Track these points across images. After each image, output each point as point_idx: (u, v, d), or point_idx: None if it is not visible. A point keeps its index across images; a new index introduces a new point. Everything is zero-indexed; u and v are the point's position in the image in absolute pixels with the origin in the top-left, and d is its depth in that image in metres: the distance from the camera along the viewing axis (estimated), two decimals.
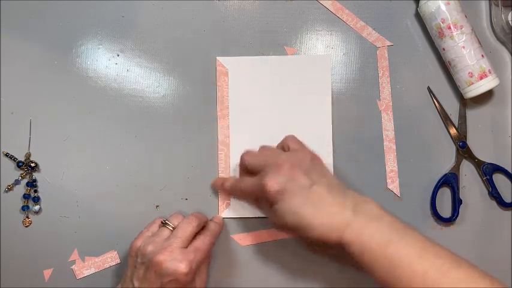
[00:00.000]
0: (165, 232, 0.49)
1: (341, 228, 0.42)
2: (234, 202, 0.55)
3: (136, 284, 0.47)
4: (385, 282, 0.42)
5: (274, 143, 0.53)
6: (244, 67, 0.56)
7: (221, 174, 0.55)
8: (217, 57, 0.56)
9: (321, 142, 0.55)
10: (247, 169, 0.50)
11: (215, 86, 0.56)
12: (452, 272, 0.40)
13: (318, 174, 0.46)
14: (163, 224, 0.50)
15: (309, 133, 0.54)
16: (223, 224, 0.55)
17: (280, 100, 0.56)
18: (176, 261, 0.45)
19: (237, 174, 0.54)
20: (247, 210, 0.55)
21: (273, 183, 0.44)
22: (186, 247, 0.47)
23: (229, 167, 0.55)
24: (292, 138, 0.51)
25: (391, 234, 0.42)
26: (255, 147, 0.52)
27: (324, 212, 0.43)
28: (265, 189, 0.44)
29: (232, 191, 0.52)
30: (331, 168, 0.55)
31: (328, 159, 0.55)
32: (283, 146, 0.50)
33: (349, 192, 0.46)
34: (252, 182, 0.48)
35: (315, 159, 0.48)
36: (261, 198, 0.47)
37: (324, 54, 0.57)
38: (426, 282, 0.39)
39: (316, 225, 0.43)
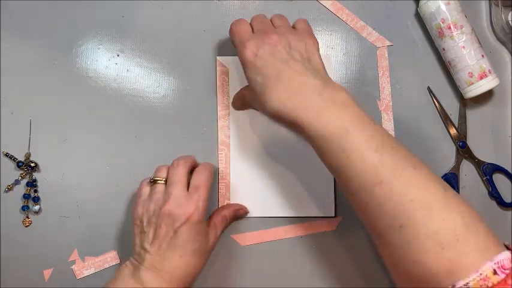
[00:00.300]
0: (159, 187, 0.48)
1: (300, 108, 0.41)
2: (233, 200, 0.55)
3: (148, 247, 0.46)
4: (336, 171, 0.41)
5: (276, 142, 0.53)
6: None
7: (221, 175, 0.55)
8: (217, 57, 0.56)
9: None
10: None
11: (215, 85, 0.56)
12: (407, 171, 0.39)
13: (302, 54, 0.44)
14: (153, 182, 0.49)
15: None
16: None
17: None
18: (181, 205, 0.45)
19: (238, 175, 0.54)
20: (247, 208, 0.55)
21: (252, 45, 0.44)
22: (187, 190, 0.47)
23: (229, 167, 0.55)
24: (303, 20, 0.49)
25: (351, 123, 0.40)
26: (256, 147, 0.52)
27: (286, 88, 0.42)
28: (243, 48, 0.44)
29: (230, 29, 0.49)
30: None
31: None
32: (295, 24, 0.49)
33: (324, 76, 0.44)
34: (243, 32, 0.46)
35: (310, 42, 0.46)
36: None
37: (324, 54, 0.57)
38: (377, 177, 0.39)
39: (276, 99, 0.42)
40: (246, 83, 0.53)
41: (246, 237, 0.55)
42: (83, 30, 0.56)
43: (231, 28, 0.48)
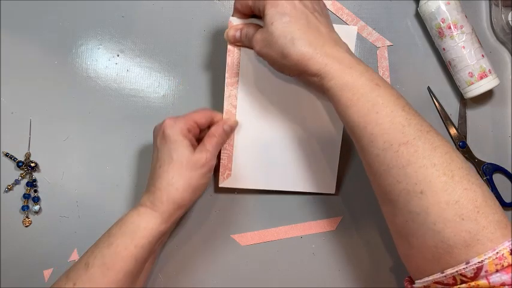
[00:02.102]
0: None
1: (332, 56, 0.41)
2: (234, 172, 0.54)
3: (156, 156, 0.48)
4: (361, 128, 0.40)
5: (281, 116, 0.52)
6: None
7: (224, 145, 0.53)
8: (230, 18, 0.50)
9: (330, 120, 0.53)
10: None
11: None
12: (432, 135, 0.39)
13: (323, 14, 0.45)
14: None
15: (319, 109, 0.53)
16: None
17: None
18: (160, 124, 0.48)
19: (241, 147, 0.53)
20: (247, 181, 0.54)
21: None
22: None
23: (233, 138, 0.53)
24: None
25: (381, 80, 0.41)
26: (261, 119, 0.52)
27: (319, 36, 0.42)
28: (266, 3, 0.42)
29: (237, 1, 0.48)
30: (337, 148, 0.54)
31: (337, 136, 0.53)
32: None
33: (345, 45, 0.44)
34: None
35: (322, 5, 0.46)
36: (260, 12, 0.45)
37: (351, 26, 0.56)
38: (403, 136, 0.38)
39: (307, 43, 0.41)
40: (259, 57, 0.49)
41: (246, 237, 0.55)
42: (83, 30, 0.56)
43: None
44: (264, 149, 0.53)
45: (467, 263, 0.35)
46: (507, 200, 0.57)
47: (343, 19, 0.58)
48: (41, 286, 0.54)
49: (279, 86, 0.52)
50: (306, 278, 0.55)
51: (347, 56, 0.41)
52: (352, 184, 0.56)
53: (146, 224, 0.45)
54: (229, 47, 0.51)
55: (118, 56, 0.56)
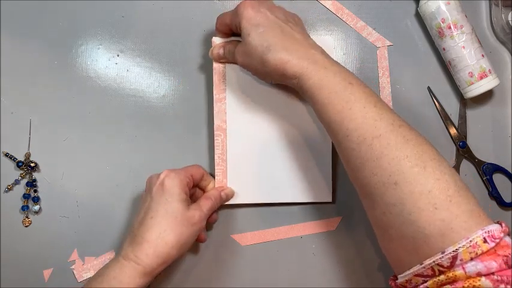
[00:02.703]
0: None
1: (307, 60, 0.44)
2: (231, 186, 0.54)
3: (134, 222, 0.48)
4: (337, 123, 0.42)
5: (273, 128, 0.53)
6: None
7: (218, 161, 0.54)
8: (213, 38, 0.53)
9: (318, 126, 0.54)
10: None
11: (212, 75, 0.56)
12: (404, 128, 0.41)
13: (294, 23, 0.48)
14: None
15: (308, 117, 0.54)
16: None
17: (278, 84, 0.53)
18: (157, 175, 0.48)
19: (235, 161, 0.54)
20: (243, 196, 0.54)
21: (252, 5, 0.46)
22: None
23: (226, 153, 0.54)
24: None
25: (353, 79, 0.43)
26: (253, 132, 0.53)
27: (294, 42, 0.45)
28: (244, 9, 0.46)
29: (217, 23, 0.51)
30: (329, 155, 0.55)
31: (327, 143, 0.54)
32: None
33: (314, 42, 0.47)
34: (231, 12, 0.48)
35: (296, 17, 0.49)
36: (237, 29, 0.48)
37: (327, 36, 0.57)
38: (375, 130, 0.40)
39: (282, 49, 0.44)
40: (244, 70, 0.52)
41: (246, 237, 0.55)
42: (83, 30, 0.56)
43: (217, 20, 0.51)
44: (258, 162, 0.54)
45: (443, 252, 0.36)
46: (507, 200, 0.57)
47: (343, 19, 0.58)
48: (41, 286, 0.54)
49: (266, 98, 0.54)
50: (306, 278, 0.55)
51: (322, 58, 0.44)
52: (352, 184, 0.56)
53: (128, 280, 0.44)
54: (214, 65, 0.54)
55: (118, 56, 0.56)
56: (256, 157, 0.54)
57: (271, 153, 0.54)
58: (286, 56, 0.44)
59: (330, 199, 0.55)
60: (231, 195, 0.53)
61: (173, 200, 0.46)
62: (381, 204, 0.40)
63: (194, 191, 0.53)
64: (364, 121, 0.41)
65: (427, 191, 0.38)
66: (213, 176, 0.54)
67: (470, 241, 0.35)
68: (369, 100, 0.42)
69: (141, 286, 0.45)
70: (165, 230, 0.45)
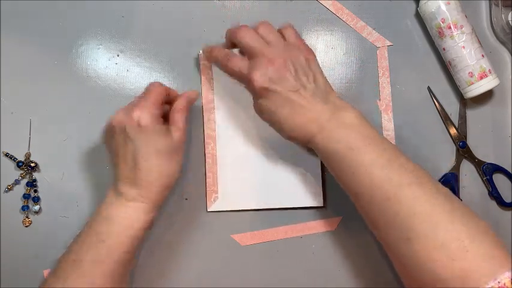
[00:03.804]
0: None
1: (312, 133, 0.45)
2: (221, 194, 0.55)
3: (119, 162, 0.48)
4: (347, 187, 0.45)
5: (262, 134, 0.54)
6: None
7: (208, 167, 0.55)
8: (200, 51, 0.55)
9: None
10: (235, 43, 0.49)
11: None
12: (413, 187, 0.41)
13: (308, 75, 0.46)
14: None
15: None
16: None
17: None
18: (129, 113, 0.47)
19: (225, 169, 0.55)
20: (235, 202, 0.55)
21: (260, 79, 0.45)
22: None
23: (216, 160, 0.55)
24: (291, 28, 0.50)
25: (357, 141, 0.43)
26: (242, 140, 0.54)
27: (299, 118, 0.45)
28: (251, 82, 0.45)
29: (219, 64, 0.51)
30: (318, 160, 0.55)
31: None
32: (283, 32, 0.49)
33: (332, 97, 0.46)
34: (240, 66, 0.47)
35: (309, 57, 0.47)
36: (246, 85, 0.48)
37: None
38: (385, 193, 0.41)
39: (289, 129, 0.46)
40: (231, 80, 0.52)
41: (246, 237, 0.55)
42: (83, 30, 0.56)
43: (225, 62, 0.49)
44: (248, 168, 0.55)
45: None
46: (507, 200, 0.57)
47: (343, 19, 0.58)
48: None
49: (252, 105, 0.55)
50: (306, 278, 0.55)
51: (327, 126, 0.44)
52: None
53: (138, 217, 0.46)
54: (203, 77, 0.55)
55: (118, 56, 0.56)
56: (246, 164, 0.55)
57: (261, 160, 0.55)
58: (295, 133, 0.46)
59: (321, 203, 0.55)
60: (195, 94, 0.52)
61: (159, 138, 0.46)
62: (398, 255, 0.42)
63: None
64: (372, 184, 0.42)
65: (440, 245, 0.38)
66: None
67: (498, 282, 0.36)
68: (374, 163, 0.42)
69: (151, 219, 0.47)
70: (163, 167, 0.46)
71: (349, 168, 0.43)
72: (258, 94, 0.46)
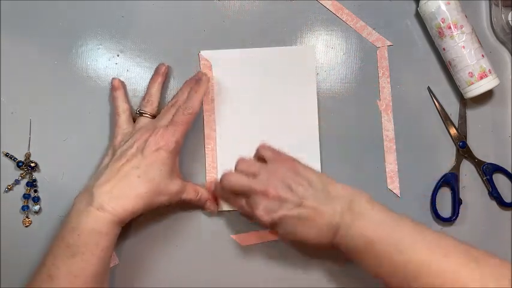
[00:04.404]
0: (144, 119, 0.53)
1: (330, 237, 0.45)
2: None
3: (109, 162, 0.49)
4: (375, 274, 0.44)
5: (262, 135, 0.53)
6: (227, 60, 0.56)
7: (208, 168, 0.55)
8: (200, 52, 0.56)
9: (307, 133, 0.56)
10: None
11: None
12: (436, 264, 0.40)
13: (302, 183, 0.46)
14: (139, 114, 0.53)
15: (295, 124, 0.55)
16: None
17: (265, 91, 0.56)
18: (158, 135, 0.48)
19: (225, 170, 0.54)
20: (216, 205, 0.55)
21: (264, 215, 0.46)
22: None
23: (216, 161, 0.55)
24: (264, 148, 0.50)
25: (374, 232, 0.43)
26: (242, 140, 0.54)
27: (314, 229, 0.45)
28: (260, 221, 0.46)
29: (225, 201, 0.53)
30: (317, 160, 0.55)
31: (315, 147, 0.55)
32: (259, 157, 0.50)
33: (333, 189, 0.46)
34: (244, 208, 0.48)
35: (293, 166, 0.48)
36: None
37: (308, 45, 0.57)
38: (408, 275, 0.41)
39: (312, 242, 0.46)
40: (230, 76, 0.55)
41: (246, 237, 0.55)
42: (83, 30, 0.56)
43: (231, 203, 0.51)
44: None
45: None
46: (507, 200, 0.57)
47: (343, 19, 0.58)
48: None
49: (254, 106, 0.56)
50: (306, 278, 0.55)
51: (334, 225, 0.44)
52: (351, 185, 0.56)
53: (109, 230, 0.45)
54: (202, 76, 0.54)
55: (118, 56, 0.56)
56: None
57: None
58: (320, 244, 0.46)
59: None
60: (211, 206, 0.54)
61: (164, 171, 0.48)
62: None
63: None
64: (394, 274, 0.42)
65: None
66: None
67: None
68: (394, 250, 0.42)
69: (119, 229, 0.47)
70: (146, 193, 0.47)
71: (374, 258, 0.43)
72: (271, 226, 0.47)
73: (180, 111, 0.50)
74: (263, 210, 0.46)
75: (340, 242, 0.45)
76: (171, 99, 0.53)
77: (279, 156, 0.49)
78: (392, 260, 0.42)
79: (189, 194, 0.51)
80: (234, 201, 0.50)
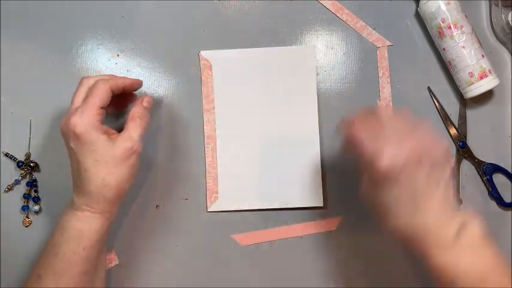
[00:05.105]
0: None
1: (427, 246, 0.40)
2: (221, 194, 0.55)
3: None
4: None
5: (262, 135, 0.54)
6: (227, 60, 0.56)
7: (208, 168, 0.55)
8: (200, 52, 0.56)
9: (307, 133, 0.56)
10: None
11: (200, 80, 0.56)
12: None
13: (440, 177, 0.40)
14: None
15: (295, 124, 0.55)
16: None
17: (265, 91, 0.56)
18: (68, 120, 0.44)
19: (225, 169, 0.55)
20: (234, 202, 0.55)
21: (388, 157, 0.38)
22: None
23: (216, 161, 0.55)
24: (429, 129, 0.42)
25: (484, 267, 0.39)
26: (242, 140, 0.54)
27: (425, 217, 0.40)
28: (377, 161, 0.38)
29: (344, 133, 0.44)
30: (318, 160, 0.55)
31: (315, 147, 0.55)
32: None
33: (458, 210, 0.41)
34: (367, 145, 0.40)
35: (447, 158, 0.41)
36: (367, 167, 0.41)
37: (308, 45, 0.57)
38: None
39: (396, 226, 0.41)
40: (229, 75, 0.55)
41: (246, 237, 0.55)
42: (83, 30, 0.56)
43: (350, 130, 0.43)
44: (248, 169, 0.55)
45: None
46: (507, 200, 0.57)
47: (343, 19, 0.58)
48: None
49: (254, 106, 0.56)
50: (306, 278, 0.55)
51: (447, 237, 0.40)
52: (352, 184, 0.56)
53: (89, 227, 0.45)
54: (203, 77, 0.55)
55: (118, 56, 0.56)
56: (246, 164, 0.55)
57: (261, 160, 0.55)
58: (401, 234, 0.41)
59: (321, 204, 0.55)
60: (151, 99, 0.49)
61: (96, 147, 0.43)
62: None
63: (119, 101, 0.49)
64: None
65: None
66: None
67: None
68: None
69: (103, 229, 0.45)
70: (104, 178, 0.44)
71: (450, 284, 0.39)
72: (382, 178, 0.39)
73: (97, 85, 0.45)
74: (392, 150, 0.38)
75: (438, 261, 0.39)
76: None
77: (441, 139, 0.42)
78: None
79: (136, 131, 0.46)
80: (358, 130, 0.42)
